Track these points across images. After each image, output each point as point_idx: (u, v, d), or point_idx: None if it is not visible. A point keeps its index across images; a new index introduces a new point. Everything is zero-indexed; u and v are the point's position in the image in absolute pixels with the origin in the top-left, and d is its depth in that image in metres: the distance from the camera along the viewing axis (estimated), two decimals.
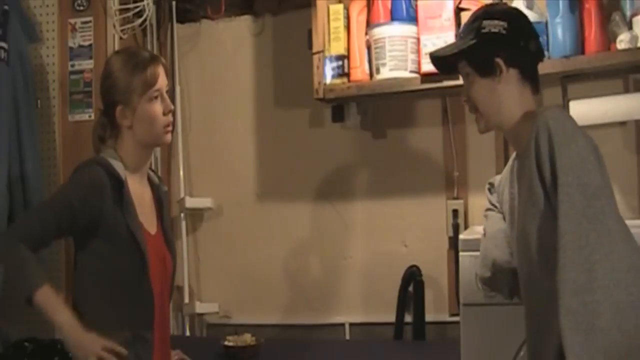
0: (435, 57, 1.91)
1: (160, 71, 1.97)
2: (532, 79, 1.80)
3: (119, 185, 1.91)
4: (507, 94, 1.78)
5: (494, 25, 1.77)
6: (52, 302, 1.81)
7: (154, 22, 3.29)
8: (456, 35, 2.57)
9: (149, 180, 2.09)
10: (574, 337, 1.51)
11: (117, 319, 1.90)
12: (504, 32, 1.77)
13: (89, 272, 1.94)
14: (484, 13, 1.84)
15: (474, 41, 1.78)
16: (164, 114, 1.96)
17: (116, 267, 1.90)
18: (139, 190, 2.00)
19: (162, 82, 1.98)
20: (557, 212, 1.59)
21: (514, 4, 2.57)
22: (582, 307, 1.52)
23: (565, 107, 2.59)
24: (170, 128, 1.99)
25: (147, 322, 1.95)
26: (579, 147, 1.61)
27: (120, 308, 1.91)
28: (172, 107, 1.99)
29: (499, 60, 1.76)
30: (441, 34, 2.59)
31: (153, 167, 3.27)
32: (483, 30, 1.78)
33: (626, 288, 1.53)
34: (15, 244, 1.81)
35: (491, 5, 2.12)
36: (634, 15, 2.38)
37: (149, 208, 2.04)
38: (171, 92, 3.32)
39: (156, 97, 1.95)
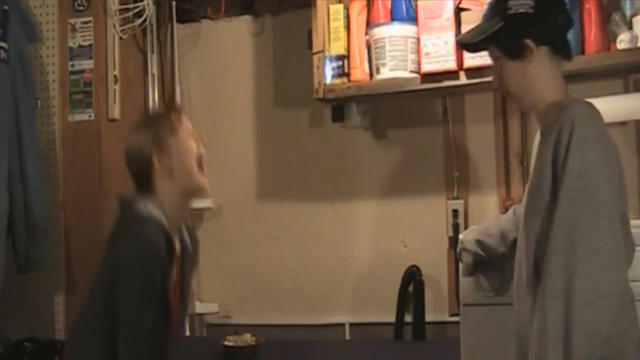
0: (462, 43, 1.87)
1: (181, 115, 1.97)
2: (563, 50, 1.76)
3: (170, 251, 1.85)
4: (539, 73, 1.73)
5: (520, 5, 1.71)
6: None
7: (154, 22, 3.28)
8: (456, 35, 2.58)
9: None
10: (546, 338, 1.54)
11: None
12: (531, 10, 1.71)
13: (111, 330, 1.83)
14: None
15: (500, 24, 1.73)
16: (197, 145, 1.95)
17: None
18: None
19: (187, 122, 1.97)
20: (555, 211, 1.59)
21: None
22: (554, 312, 1.55)
23: None
24: (204, 170, 1.96)
25: None
26: (595, 156, 1.59)
27: None
28: (204, 137, 1.97)
29: (529, 42, 1.71)
30: (441, 34, 2.59)
31: None
32: (509, 12, 1.72)
33: (597, 314, 1.53)
34: None
35: None
36: (634, 15, 2.38)
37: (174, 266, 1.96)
38: (171, 93, 3.34)
39: (185, 133, 1.94)
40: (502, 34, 1.74)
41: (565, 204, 1.58)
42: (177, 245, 1.95)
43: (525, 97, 1.77)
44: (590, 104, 1.69)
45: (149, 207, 1.86)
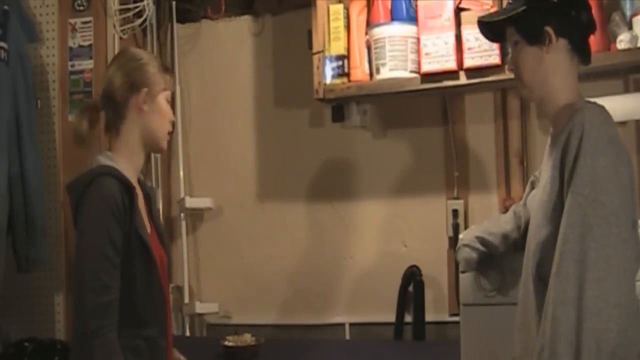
0: (482, 23, 1.86)
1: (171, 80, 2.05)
2: (581, 50, 1.76)
3: (130, 194, 1.88)
4: (555, 64, 1.74)
5: None
6: None
7: (154, 22, 3.29)
8: (456, 36, 2.58)
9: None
10: (556, 345, 1.54)
11: (134, 328, 1.86)
12: (555, 0, 1.73)
13: None
14: None
15: (523, 7, 1.73)
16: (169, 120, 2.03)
17: (130, 276, 1.86)
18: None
19: (173, 87, 2.08)
20: (564, 216, 1.59)
21: None
22: (565, 321, 1.54)
23: None
24: (169, 137, 2.03)
25: (162, 328, 1.92)
26: (606, 162, 1.58)
27: (136, 317, 1.86)
28: (174, 119, 2.05)
29: (549, 29, 1.72)
30: (441, 34, 2.59)
31: (152, 167, 3.27)
32: None
33: (606, 322, 1.53)
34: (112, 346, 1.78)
35: None
36: (634, 15, 2.38)
37: (142, 208, 2.02)
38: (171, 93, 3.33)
39: (168, 101, 2.01)
40: (522, 18, 1.74)
41: (576, 209, 1.57)
42: (140, 191, 2.01)
43: (537, 87, 1.76)
44: (602, 108, 1.68)
45: (105, 162, 1.91)
